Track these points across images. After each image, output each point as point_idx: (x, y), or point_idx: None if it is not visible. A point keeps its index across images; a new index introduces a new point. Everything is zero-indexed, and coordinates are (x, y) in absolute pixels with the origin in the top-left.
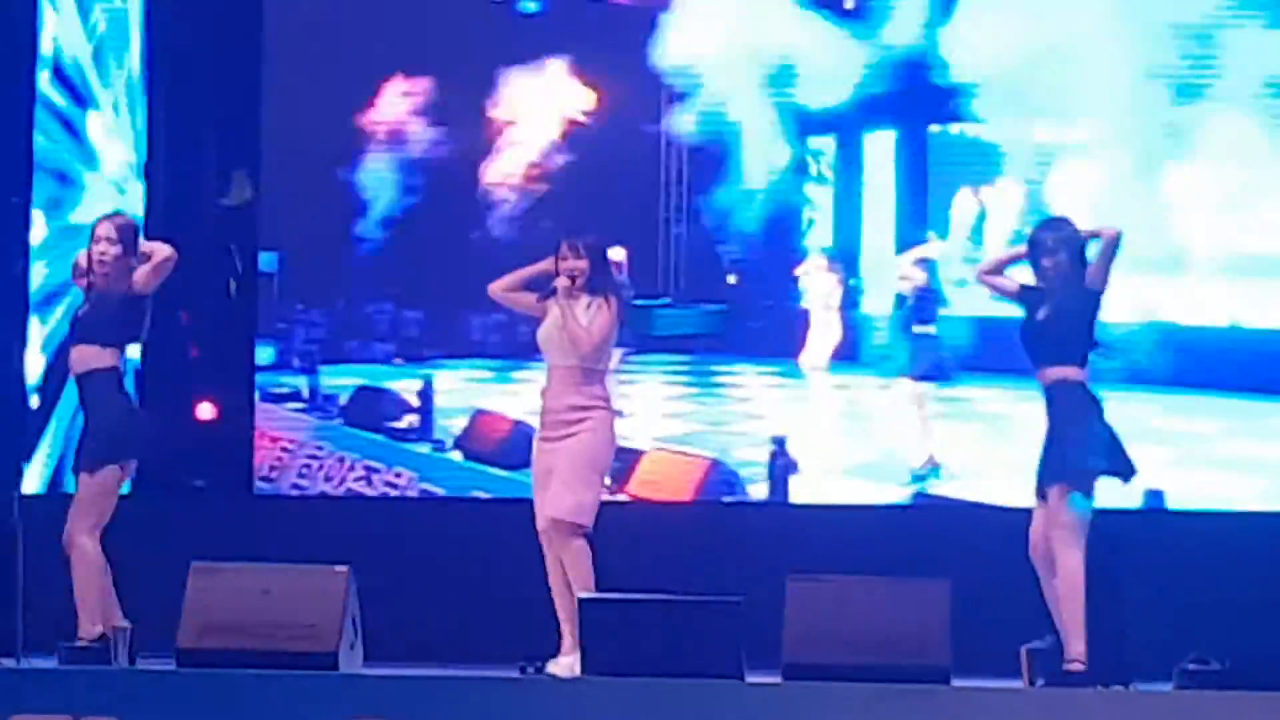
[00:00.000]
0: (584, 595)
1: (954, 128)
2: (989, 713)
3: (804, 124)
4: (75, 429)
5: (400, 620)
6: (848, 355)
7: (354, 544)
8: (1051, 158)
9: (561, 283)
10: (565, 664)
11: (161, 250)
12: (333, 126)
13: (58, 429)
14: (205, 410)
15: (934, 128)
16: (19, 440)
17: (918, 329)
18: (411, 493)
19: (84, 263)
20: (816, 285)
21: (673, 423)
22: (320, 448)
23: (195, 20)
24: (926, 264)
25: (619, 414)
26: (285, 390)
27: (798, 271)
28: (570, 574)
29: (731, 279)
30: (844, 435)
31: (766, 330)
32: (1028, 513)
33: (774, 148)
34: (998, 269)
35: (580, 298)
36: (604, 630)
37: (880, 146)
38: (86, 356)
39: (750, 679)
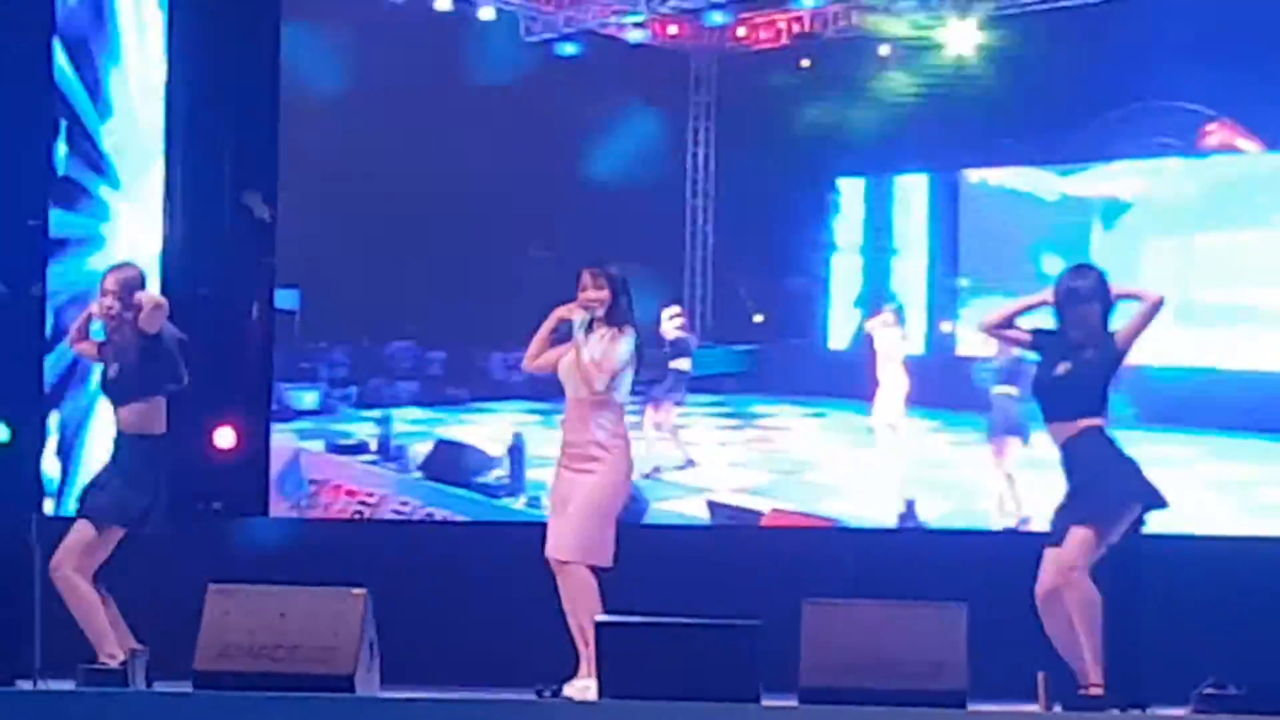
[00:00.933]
0: (601, 618)
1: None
2: None
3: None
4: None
5: (417, 643)
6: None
7: (371, 567)
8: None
9: (575, 315)
10: (580, 687)
11: (150, 300)
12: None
13: (76, 451)
14: (224, 437)
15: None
16: (37, 462)
17: (999, 390)
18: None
19: (82, 325)
20: (885, 339)
21: (741, 473)
22: (405, 503)
23: (215, 46)
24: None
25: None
26: (353, 442)
27: (868, 326)
28: (577, 605)
29: (758, 318)
30: (925, 486)
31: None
32: (1044, 537)
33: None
34: (1007, 322)
35: (598, 328)
36: (621, 653)
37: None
38: (134, 416)
39: (766, 702)
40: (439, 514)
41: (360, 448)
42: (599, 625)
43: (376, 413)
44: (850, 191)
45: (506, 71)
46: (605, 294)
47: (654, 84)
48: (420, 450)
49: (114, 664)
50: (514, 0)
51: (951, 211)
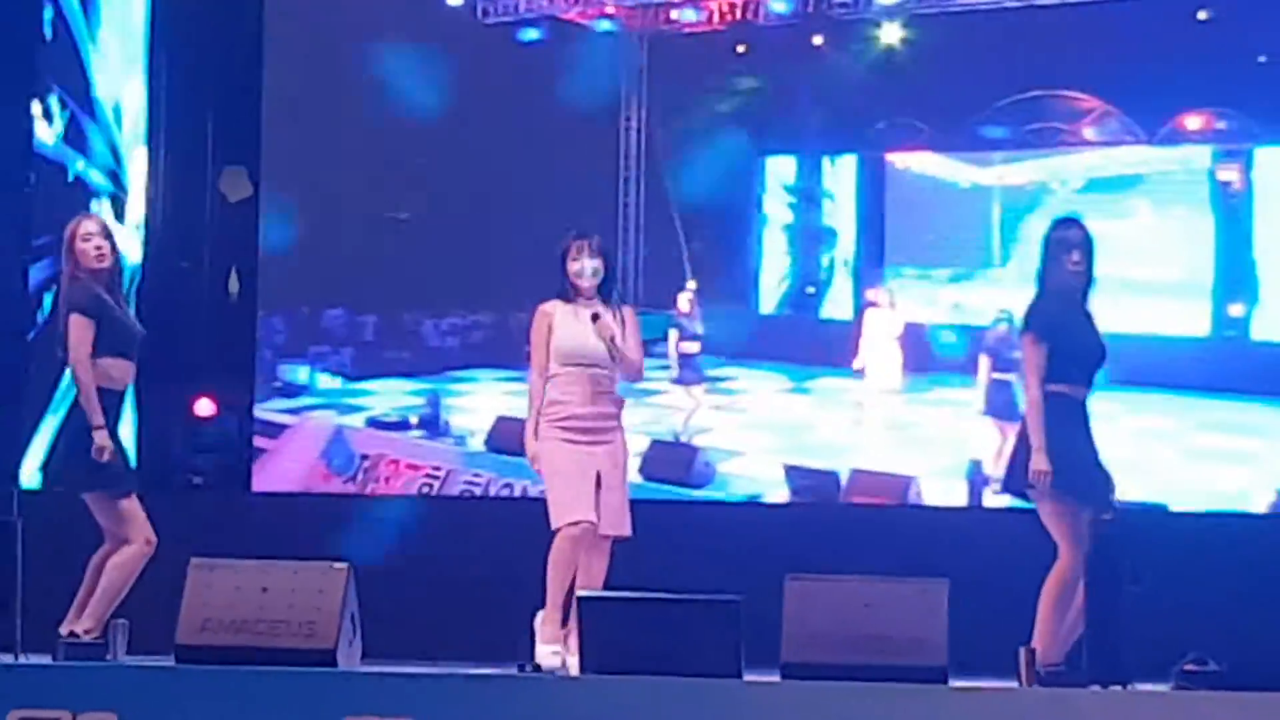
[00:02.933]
0: (583, 593)
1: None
2: (986, 713)
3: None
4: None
5: (399, 617)
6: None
7: (354, 541)
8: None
9: (601, 323)
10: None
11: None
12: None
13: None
14: (203, 407)
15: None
16: (16, 434)
17: (997, 375)
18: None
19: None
20: (879, 318)
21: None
22: (478, 475)
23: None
24: None
25: None
26: (395, 419)
27: (867, 310)
28: (600, 579)
29: (692, 284)
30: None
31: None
32: (1023, 513)
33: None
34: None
35: (595, 301)
36: (602, 628)
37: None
38: (128, 372)
39: (748, 678)
40: (517, 486)
41: (403, 424)
42: (581, 600)
43: (410, 384)
44: (782, 169)
45: (465, 53)
46: (598, 262)
47: (591, 63)
48: (465, 423)
49: (88, 638)
50: None
51: (878, 191)
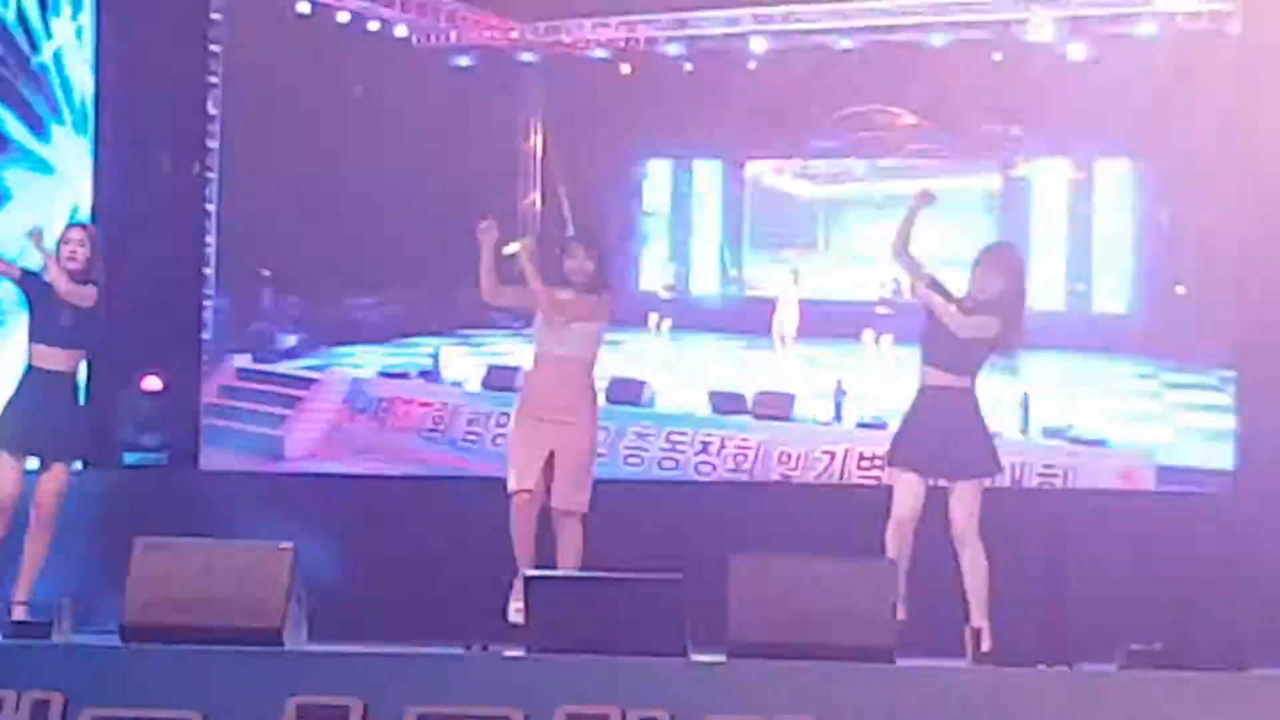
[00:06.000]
0: (529, 572)
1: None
2: (933, 692)
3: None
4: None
5: (345, 597)
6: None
7: (300, 520)
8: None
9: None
10: None
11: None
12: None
13: None
14: (151, 382)
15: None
16: None
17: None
18: None
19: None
20: (787, 290)
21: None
22: (477, 409)
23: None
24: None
25: None
26: (400, 371)
27: (778, 285)
28: (573, 555)
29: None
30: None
31: None
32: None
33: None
34: (905, 241)
35: (581, 293)
36: (548, 606)
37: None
38: (74, 361)
39: (694, 657)
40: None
41: (405, 375)
42: (527, 579)
43: (429, 344)
44: (658, 171)
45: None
46: (593, 265)
47: (492, 81)
48: (458, 374)
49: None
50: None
51: (736, 190)
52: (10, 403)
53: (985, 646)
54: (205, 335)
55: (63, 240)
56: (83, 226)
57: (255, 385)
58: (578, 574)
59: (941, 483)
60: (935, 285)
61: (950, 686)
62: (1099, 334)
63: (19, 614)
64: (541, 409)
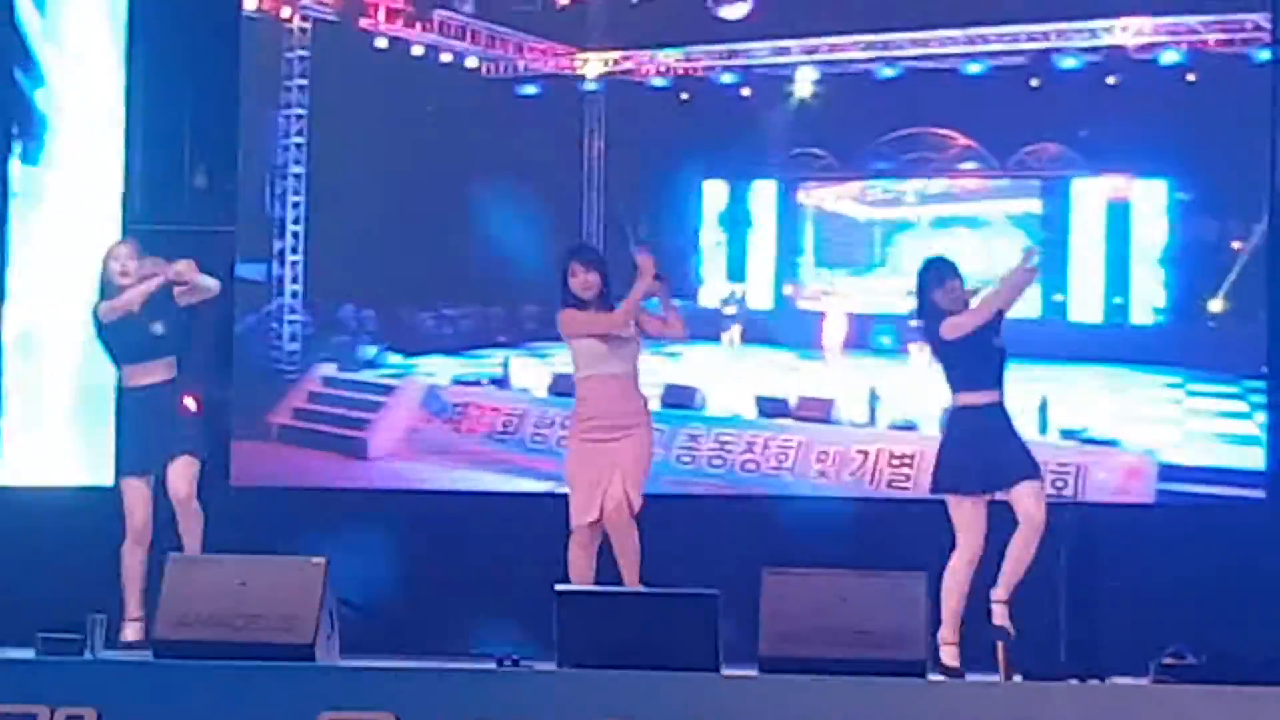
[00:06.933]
0: (560, 587)
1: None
2: (965, 706)
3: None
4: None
5: (379, 612)
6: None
7: (333, 536)
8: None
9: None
10: None
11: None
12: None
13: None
14: (187, 403)
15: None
16: None
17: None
18: None
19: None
20: (833, 302)
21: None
22: (545, 412)
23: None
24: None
25: None
26: (472, 379)
27: (822, 299)
28: (630, 551)
29: None
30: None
31: None
32: (1001, 504)
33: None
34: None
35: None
36: (579, 622)
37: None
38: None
39: (726, 672)
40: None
41: (477, 383)
42: (558, 594)
43: (499, 355)
44: (715, 192)
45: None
46: (597, 276)
47: (557, 107)
48: (527, 380)
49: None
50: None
51: (790, 209)
52: (119, 430)
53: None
54: (294, 346)
55: (111, 256)
56: (125, 242)
57: (340, 392)
58: (610, 589)
59: (999, 496)
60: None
61: (982, 701)
62: (1135, 346)
63: (132, 632)
64: (600, 429)
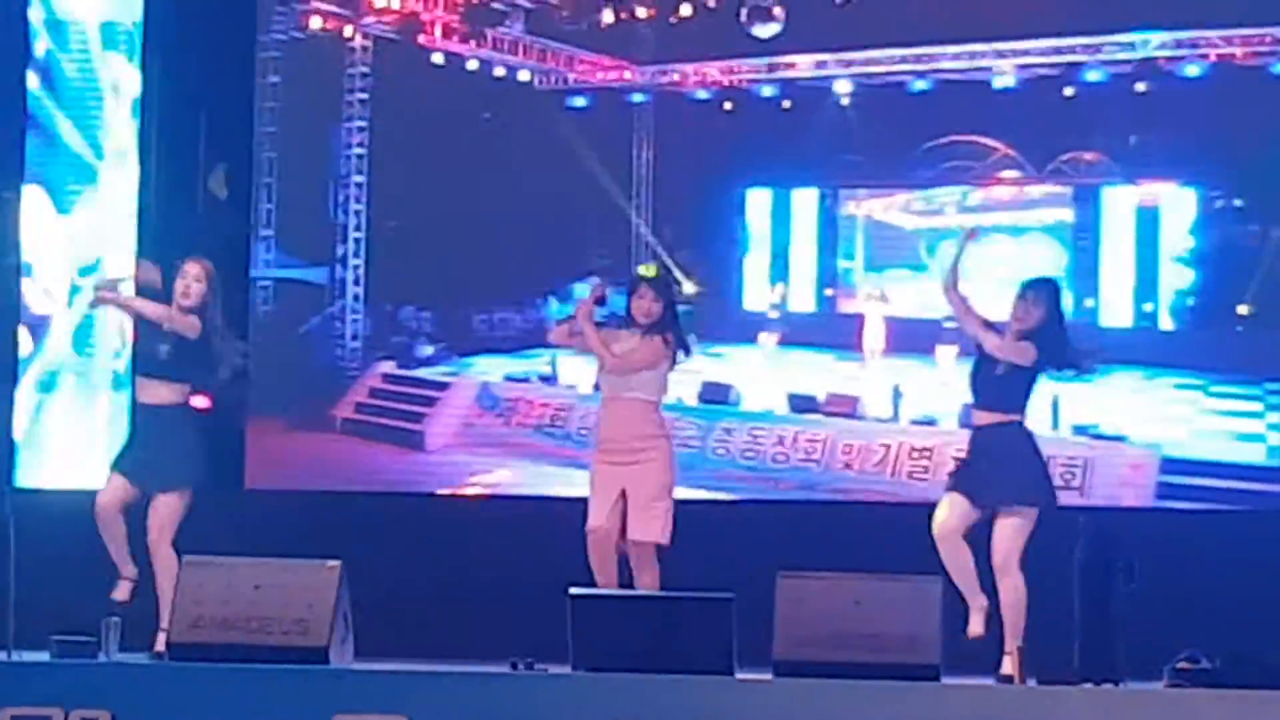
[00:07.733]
0: (574, 590)
1: None
2: (979, 711)
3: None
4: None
5: (392, 616)
6: None
7: (346, 539)
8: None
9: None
10: None
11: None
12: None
13: (50, 426)
14: (199, 401)
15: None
16: (8, 433)
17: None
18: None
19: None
20: (875, 308)
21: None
22: (589, 408)
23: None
24: None
25: None
26: (522, 376)
27: (865, 305)
28: (646, 581)
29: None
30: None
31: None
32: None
33: None
34: (954, 278)
35: (635, 334)
36: (594, 626)
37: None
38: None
39: (740, 675)
40: None
41: (526, 380)
42: (572, 597)
43: (547, 354)
44: (757, 199)
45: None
46: (659, 308)
47: (605, 118)
48: (574, 377)
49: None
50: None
51: (831, 216)
52: (128, 435)
53: (1013, 670)
54: (355, 344)
55: (179, 274)
56: (199, 262)
57: (398, 388)
58: (624, 593)
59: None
60: (982, 321)
61: (996, 705)
62: (1163, 350)
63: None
64: (613, 452)
